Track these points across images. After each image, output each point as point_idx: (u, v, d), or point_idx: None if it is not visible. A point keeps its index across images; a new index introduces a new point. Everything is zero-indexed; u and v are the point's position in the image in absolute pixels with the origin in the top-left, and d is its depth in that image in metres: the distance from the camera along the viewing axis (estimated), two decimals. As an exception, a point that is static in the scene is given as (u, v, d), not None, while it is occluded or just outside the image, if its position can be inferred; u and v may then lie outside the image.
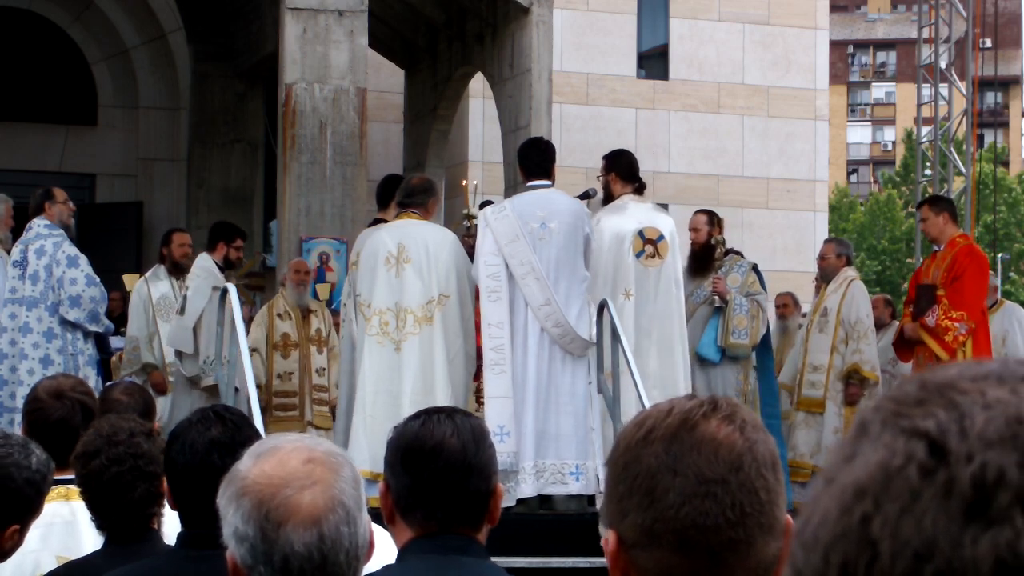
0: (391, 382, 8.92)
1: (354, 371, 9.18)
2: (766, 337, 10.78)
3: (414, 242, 9.01)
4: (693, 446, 1.61)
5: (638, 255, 9.61)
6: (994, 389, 0.89)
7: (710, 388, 10.43)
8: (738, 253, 12.45)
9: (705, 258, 10.73)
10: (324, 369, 11.29)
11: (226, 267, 11.24)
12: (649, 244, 9.64)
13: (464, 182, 13.80)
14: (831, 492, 0.90)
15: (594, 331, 8.96)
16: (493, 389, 8.72)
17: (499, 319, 8.74)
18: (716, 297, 10.56)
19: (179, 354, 10.87)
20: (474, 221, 13.50)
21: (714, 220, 10.84)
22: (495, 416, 8.61)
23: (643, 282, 9.59)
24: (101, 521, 3.80)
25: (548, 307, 8.71)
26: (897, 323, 13.21)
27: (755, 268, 10.93)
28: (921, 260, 19.54)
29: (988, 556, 0.84)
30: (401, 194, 9.33)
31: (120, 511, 3.74)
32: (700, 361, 10.53)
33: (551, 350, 8.79)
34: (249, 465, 2.33)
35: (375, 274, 9.03)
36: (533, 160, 9.15)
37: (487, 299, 8.77)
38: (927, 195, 20.41)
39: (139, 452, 3.81)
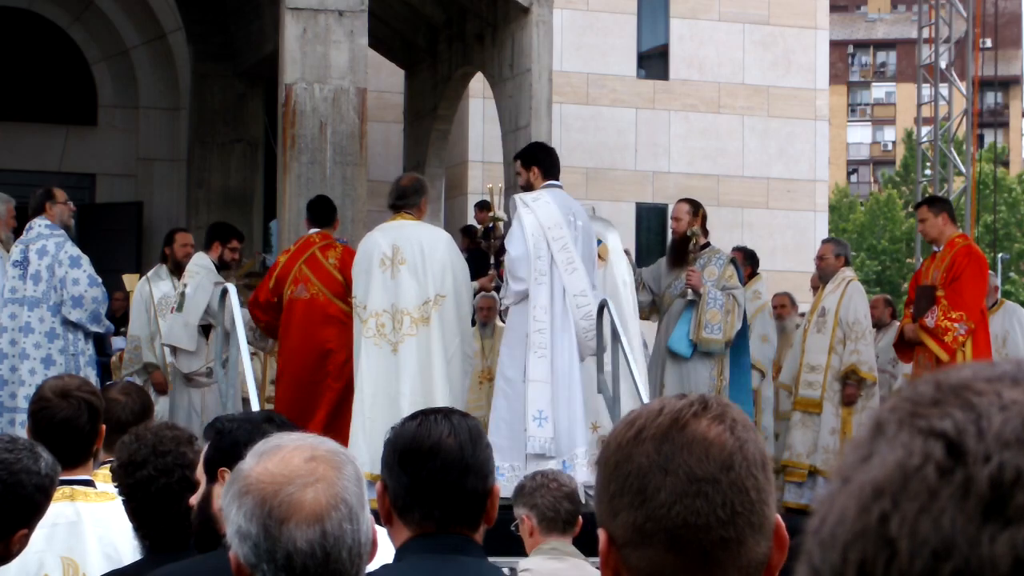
0: (389, 384, 8.92)
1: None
2: (743, 332, 10.68)
3: (408, 243, 9.03)
4: (684, 445, 1.61)
5: None
6: (1010, 390, 0.90)
7: (682, 384, 10.35)
8: (751, 254, 12.41)
9: (683, 249, 10.68)
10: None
11: (221, 267, 11.24)
12: None
13: (489, 186, 13.88)
14: (848, 491, 0.90)
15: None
16: (535, 372, 8.79)
17: (544, 303, 8.80)
18: (690, 290, 10.47)
19: (174, 350, 10.87)
20: (500, 224, 13.54)
21: (697, 211, 10.72)
22: (535, 400, 8.68)
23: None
24: (145, 531, 3.77)
25: (584, 298, 8.79)
26: (897, 323, 13.21)
27: (734, 261, 10.80)
28: (921, 260, 19.57)
29: (1006, 555, 0.84)
30: (393, 196, 9.35)
31: (166, 521, 3.72)
32: (671, 355, 10.47)
33: (571, 343, 8.87)
34: (252, 464, 2.33)
35: (370, 276, 9.04)
36: (551, 162, 9.31)
37: (534, 281, 8.83)
38: (927, 195, 20.44)
39: (186, 462, 3.79)
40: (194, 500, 3.46)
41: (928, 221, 10.58)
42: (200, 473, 3.44)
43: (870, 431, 0.92)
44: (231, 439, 3.38)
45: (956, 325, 10.18)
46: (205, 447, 3.47)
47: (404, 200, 9.24)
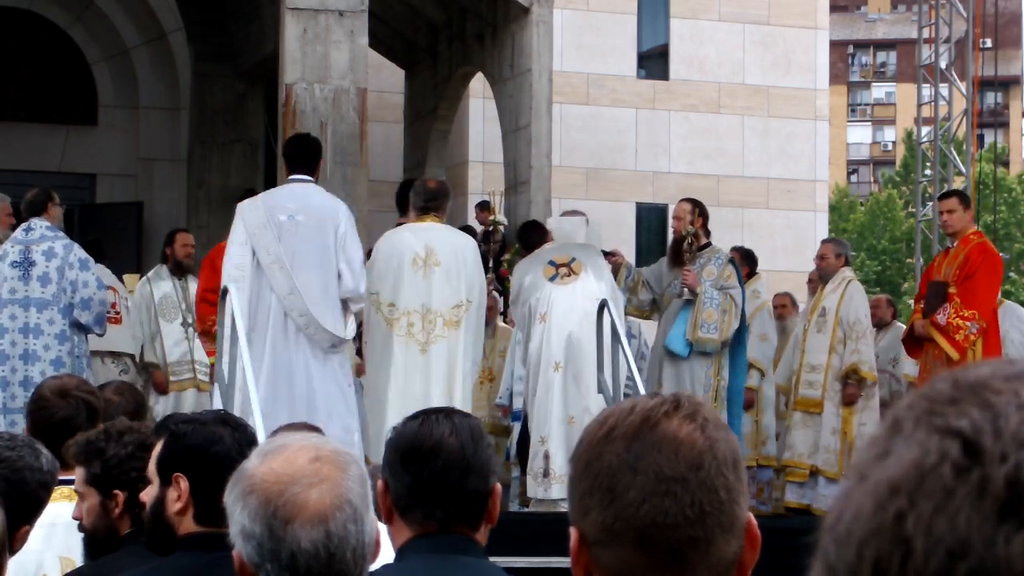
0: (416, 384, 8.96)
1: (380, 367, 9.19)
2: (740, 334, 10.67)
3: (442, 246, 9.08)
4: (654, 444, 1.61)
5: (551, 279, 9.73)
6: None
7: (678, 382, 10.37)
8: (749, 253, 12.37)
9: (680, 249, 10.65)
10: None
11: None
12: (562, 267, 9.84)
13: (491, 191, 13.92)
14: (864, 488, 0.90)
15: (347, 328, 8.77)
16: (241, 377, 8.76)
17: (244, 307, 8.63)
18: (686, 289, 10.46)
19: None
20: (500, 228, 13.57)
21: (697, 210, 10.72)
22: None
23: (560, 299, 9.69)
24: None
25: (293, 296, 8.62)
26: (898, 323, 13.18)
27: (732, 261, 10.80)
28: (922, 260, 19.55)
29: (1021, 555, 0.84)
30: (422, 198, 9.36)
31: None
32: (669, 355, 10.47)
33: (297, 340, 8.67)
34: (256, 463, 2.33)
35: (400, 275, 9.07)
36: (295, 155, 9.09)
37: (234, 288, 8.70)
38: (926, 195, 20.42)
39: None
40: (146, 497, 3.45)
41: (956, 213, 10.50)
42: (152, 472, 3.41)
43: (887, 428, 0.92)
44: (185, 443, 3.36)
45: (968, 324, 10.13)
46: (159, 446, 3.45)
47: (435, 202, 9.29)
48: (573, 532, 1.63)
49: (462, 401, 8.77)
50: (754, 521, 1.66)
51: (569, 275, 9.80)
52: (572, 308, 9.70)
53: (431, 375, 8.95)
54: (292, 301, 8.57)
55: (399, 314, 9.01)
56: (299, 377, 8.60)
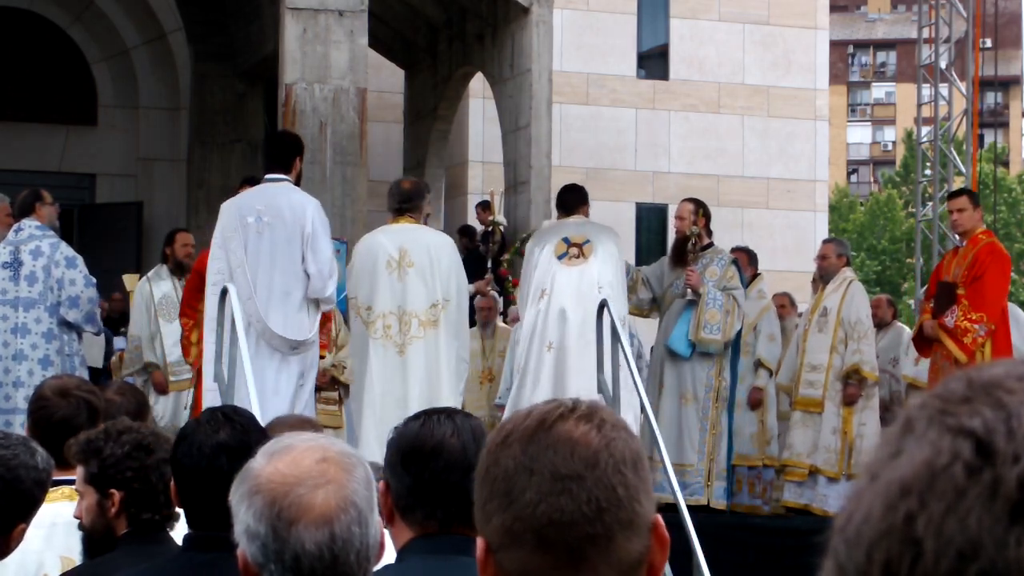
0: (396, 386, 8.93)
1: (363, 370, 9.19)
2: (736, 335, 10.65)
3: (416, 247, 9.03)
4: (549, 445, 1.62)
5: (560, 257, 9.69)
6: None
7: (679, 383, 10.35)
8: (753, 255, 12.35)
9: (683, 249, 10.62)
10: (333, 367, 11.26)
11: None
12: (574, 247, 9.75)
13: (491, 190, 13.88)
14: (875, 488, 0.89)
15: (310, 332, 8.66)
16: (207, 382, 8.70)
17: (213, 313, 8.60)
18: (689, 290, 10.45)
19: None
20: (500, 228, 13.57)
21: (700, 210, 10.70)
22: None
23: (563, 280, 9.64)
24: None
25: (249, 301, 8.56)
26: (899, 323, 13.16)
27: (735, 262, 10.78)
28: (921, 260, 19.54)
29: None
30: (396, 199, 9.32)
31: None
32: (671, 355, 10.45)
33: (258, 343, 8.55)
34: (263, 463, 2.32)
35: (375, 277, 9.04)
36: (269, 153, 8.99)
37: (211, 292, 8.61)
38: (926, 195, 20.40)
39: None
40: None
41: (967, 212, 10.45)
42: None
43: (900, 427, 0.91)
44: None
45: (976, 327, 10.08)
46: None
47: (410, 203, 9.24)
48: (479, 541, 1.63)
49: (450, 399, 8.73)
50: (661, 522, 1.65)
51: (578, 256, 9.73)
52: (571, 292, 9.64)
53: (408, 376, 8.93)
54: (249, 306, 8.49)
55: (375, 317, 8.99)
56: (268, 380, 8.57)
